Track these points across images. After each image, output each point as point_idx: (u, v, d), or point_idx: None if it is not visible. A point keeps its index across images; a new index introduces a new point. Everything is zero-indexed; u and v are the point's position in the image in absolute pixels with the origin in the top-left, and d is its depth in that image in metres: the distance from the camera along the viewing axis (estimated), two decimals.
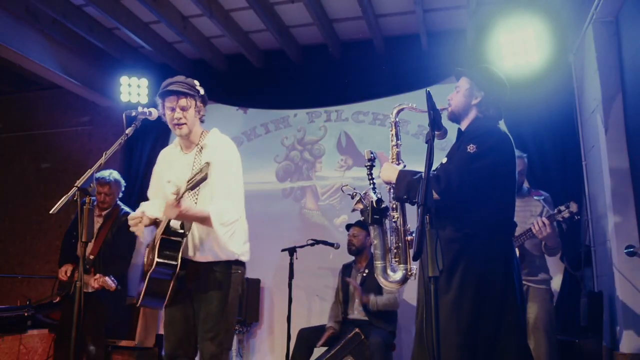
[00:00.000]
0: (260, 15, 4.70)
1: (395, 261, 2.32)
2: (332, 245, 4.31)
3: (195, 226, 2.33)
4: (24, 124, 6.67)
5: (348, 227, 4.34)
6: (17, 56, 4.96)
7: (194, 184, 2.12)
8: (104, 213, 3.87)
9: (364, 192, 2.51)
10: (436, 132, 1.97)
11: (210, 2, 4.62)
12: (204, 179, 2.10)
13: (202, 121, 2.54)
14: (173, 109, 2.40)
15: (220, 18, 4.81)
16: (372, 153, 2.76)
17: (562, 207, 3.05)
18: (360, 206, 2.49)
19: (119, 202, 4.00)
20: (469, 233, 2.12)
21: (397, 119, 2.56)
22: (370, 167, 2.71)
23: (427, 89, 2.03)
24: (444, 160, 2.29)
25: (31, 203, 6.28)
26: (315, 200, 5.36)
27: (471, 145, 2.10)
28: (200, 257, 2.35)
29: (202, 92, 2.51)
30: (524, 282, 3.06)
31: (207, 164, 2.12)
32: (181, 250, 2.29)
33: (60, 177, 6.19)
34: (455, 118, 2.37)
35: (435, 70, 4.87)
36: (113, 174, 3.92)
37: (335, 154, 5.42)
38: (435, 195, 2.06)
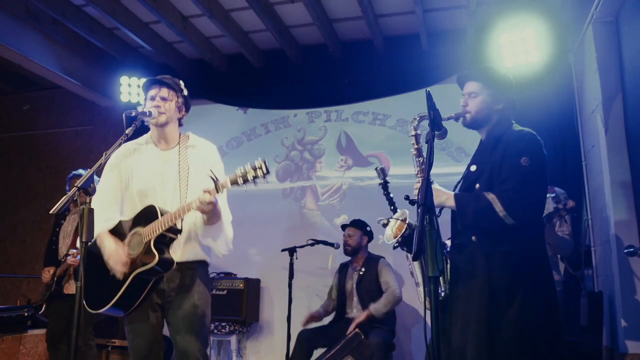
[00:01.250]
0: (260, 15, 4.70)
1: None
2: (332, 245, 4.31)
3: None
4: (24, 124, 6.67)
5: (343, 227, 4.34)
6: (17, 56, 4.96)
7: (246, 181, 2.01)
8: None
9: (394, 221, 2.47)
10: (436, 132, 1.97)
11: (210, 2, 4.62)
12: (259, 176, 2.00)
13: (180, 124, 2.50)
14: (153, 98, 2.40)
15: (220, 18, 4.81)
16: (381, 170, 2.73)
17: (560, 205, 3.06)
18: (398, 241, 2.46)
19: None
20: (523, 245, 2.07)
21: (418, 131, 2.33)
22: (385, 185, 2.69)
23: (427, 89, 2.03)
24: (474, 167, 2.21)
25: (31, 203, 6.29)
26: (315, 200, 5.36)
27: (524, 158, 2.04)
28: (182, 257, 2.29)
29: (185, 92, 2.50)
30: None
31: (256, 164, 2.01)
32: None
33: (60, 177, 6.19)
34: (477, 124, 2.27)
35: (435, 70, 4.87)
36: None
37: (335, 154, 5.42)
38: (510, 220, 1.99)
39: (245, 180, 2.02)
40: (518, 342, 1.98)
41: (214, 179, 2.06)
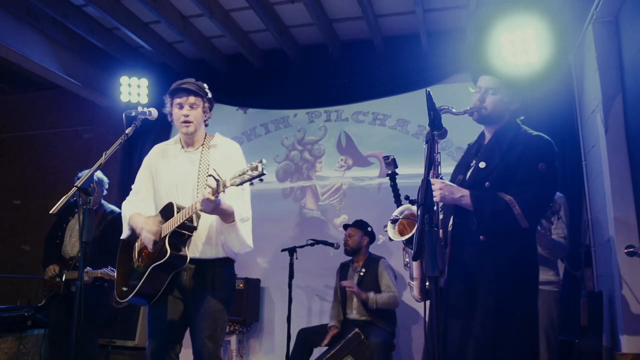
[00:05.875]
0: (260, 15, 4.70)
1: None
2: (332, 245, 4.31)
3: (200, 223, 2.35)
4: (24, 124, 6.67)
5: (345, 227, 4.35)
6: (17, 56, 4.96)
7: (243, 181, 2.07)
8: None
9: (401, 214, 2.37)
10: (436, 132, 1.97)
11: (210, 2, 4.62)
12: (255, 176, 2.04)
13: (206, 124, 2.58)
14: (182, 106, 2.45)
15: (220, 18, 4.81)
16: (393, 161, 2.67)
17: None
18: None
19: (103, 201, 4.03)
20: (528, 248, 2.12)
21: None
22: (394, 176, 2.64)
23: (427, 89, 2.02)
24: (483, 164, 2.16)
25: (31, 203, 6.29)
26: (315, 200, 5.36)
27: (541, 164, 2.06)
28: (201, 255, 2.36)
29: (209, 95, 2.56)
30: None
31: (253, 165, 2.06)
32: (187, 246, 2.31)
33: (60, 177, 6.19)
34: (488, 121, 2.26)
35: (435, 70, 4.86)
36: (96, 173, 3.90)
37: (335, 154, 5.42)
38: (525, 224, 1.99)
39: (243, 181, 2.06)
40: (526, 342, 2.02)
41: (216, 178, 2.10)
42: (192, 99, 2.45)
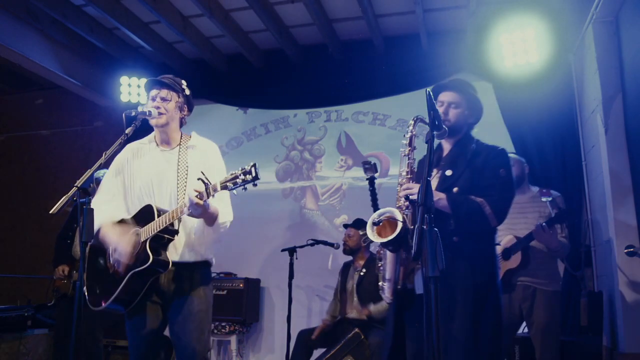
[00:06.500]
0: (260, 15, 4.70)
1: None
2: (332, 245, 4.31)
3: (181, 227, 2.29)
4: (24, 124, 6.68)
5: (346, 226, 4.35)
6: (17, 56, 4.96)
7: (236, 186, 2.01)
8: None
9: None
10: (435, 132, 1.97)
11: (210, 2, 4.62)
12: (249, 181, 1.99)
13: (182, 124, 2.50)
14: (154, 99, 2.41)
15: (220, 18, 4.81)
16: (374, 166, 2.68)
17: (556, 211, 3.05)
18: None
19: None
20: (492, 244, 2.34)
21: (414, 132, 2.43)
22: (372, 180, 2.65)
23: (427, 89, 2.03)
24: (449, 172, 2.30)
25: (31, 203, 6.29)
26: (315, 200, 5.36)
27: (502, 169, 2.28)
28: (180, 258, 2.29)
29: (187, 92, 2.50)
30: (529, 283, 3.08)
31: (246, 169, 2.01)
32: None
33: (60, 177, 6.19)
34: (451, 132, 2.37)
35: (435, 70, 4.86)
36: (102, 172, 3.87)
37: (335, 154, 5.42)
38: (495, 223, 2.21)
39: (236, 185, 2.02)
40: (497, 325, 2.21)
41: (205, 182, 2.04)
42: (164, 92, 2.41)
